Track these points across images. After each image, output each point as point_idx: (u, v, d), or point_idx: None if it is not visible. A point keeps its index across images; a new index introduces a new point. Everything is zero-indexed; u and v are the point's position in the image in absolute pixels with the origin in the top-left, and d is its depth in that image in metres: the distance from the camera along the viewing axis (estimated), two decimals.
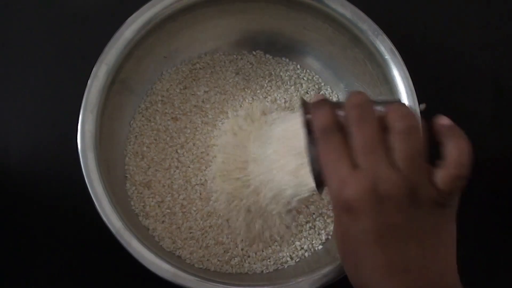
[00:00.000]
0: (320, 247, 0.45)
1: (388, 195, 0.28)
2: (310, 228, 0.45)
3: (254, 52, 0.51)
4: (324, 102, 0.31)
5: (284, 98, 0.49)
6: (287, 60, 0.51)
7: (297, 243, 0.44)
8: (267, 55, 0.51)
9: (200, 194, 0.45)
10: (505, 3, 0.56)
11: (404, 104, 0.31)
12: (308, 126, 0.31)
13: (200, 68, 0.50)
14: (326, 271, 0.39)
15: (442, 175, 0.29)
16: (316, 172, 0.31)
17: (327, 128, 0.30)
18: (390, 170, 0.28)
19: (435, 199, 0.29)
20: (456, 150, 0.29)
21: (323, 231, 0.45)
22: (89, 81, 0.42)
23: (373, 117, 0.29)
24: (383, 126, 0.29)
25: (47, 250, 0.46)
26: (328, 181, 0.29)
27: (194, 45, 0.50)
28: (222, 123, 0.47)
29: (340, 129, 0.30)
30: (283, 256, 0.44)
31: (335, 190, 0.28)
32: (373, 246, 0.28)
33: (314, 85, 0.50)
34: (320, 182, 0.32)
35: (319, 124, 0.30)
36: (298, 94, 0.49)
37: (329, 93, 0.50)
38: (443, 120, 0.31)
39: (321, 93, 0.50)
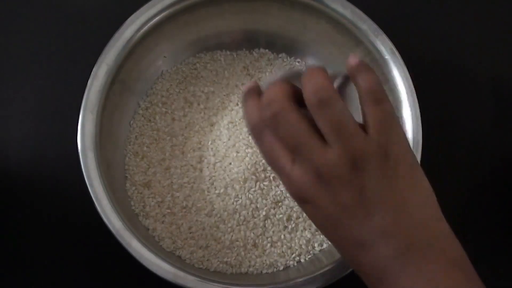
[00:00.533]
0: (320, 247, 0.45)
1: (332, 177, 0.27)
2: (309, 229, 0.45)
3: (254, 52, 0.51)
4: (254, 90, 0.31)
5: None
6: (288, 58, 0.51)
7: (297, 244, 0.44)
8: (268, 54, 0.51)
9: (200, 194, 0.45)
10: (505, 3, 0.56)
11: (315, 71, 0.29)
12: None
13: (200, 68, 0.50)
14: (325, 271, 0.39)
15: (370, 123, 0.28)
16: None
17: (256, 127, 0.30)
18: (324, 151, 0.27)
19: (378, 152, 0.28)
20: (365, 82, 0.29)
21: None
22: (89, 81, 0.42)
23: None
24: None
25: (47, 250, 0.46)
26: (281, 179, 0.29)
27: (194, 44, 0.50)
28: (222, 122, 0.47)
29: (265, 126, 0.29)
30: (283, 257, 0.44)
31: (286, 187, 0.28)
32: (340, 227, 0.28)
33: None
34: None
35: (250, 121, 0.30)
36: None
37: None
38: (352, 61, 0.30)
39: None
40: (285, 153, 0.28)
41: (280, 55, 0.51)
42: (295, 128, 0.28)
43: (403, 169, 0.29)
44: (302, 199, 0.29)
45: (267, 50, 0.51)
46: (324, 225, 0.30)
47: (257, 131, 0.29)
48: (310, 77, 0.29)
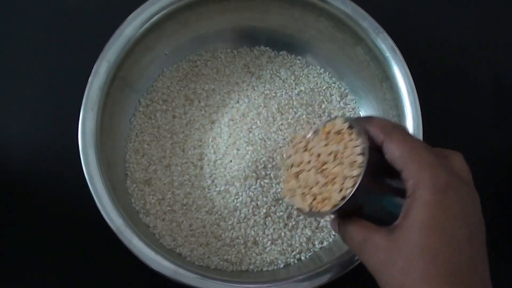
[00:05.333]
0: (320, 245, 0.45)
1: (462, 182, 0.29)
2: (310, 226, 0.45)
3: (255, 49, 0.51)
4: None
5: (286, 96, 0.49)
6: (289, 56, 0.51)
7: (297, 241, 0.44)
8: (268, 52, 0.51)
9: (201, 191, 0.45)
10: (505, 3, 0.56)
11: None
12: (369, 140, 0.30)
13: (201, 66, 0.50)
14: (326, 268, 0.39)
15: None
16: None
17: (396, 124, 0.30)
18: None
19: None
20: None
21: (325, 229, 0.45)
22: (89, 79, 0.42)
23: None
24: None
25: (48, 247, 0.46)
26: (418, 169, 0.28)
27: (195, 42, 0.50)
28: (223, 120, 0.47)
29: None
30: (284, 254, 0.44)
31: (431, 175, 0.28)
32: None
33: (319, 80, 0.50)
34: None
35: (385, 123, 0.31)
36: (299, 90, 0.49)
37: (331, 89, 0.50)
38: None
39: (324, 88, 0.50)
40: (431, 154, 0.30)
41: (280, 53, 0.51)
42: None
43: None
44: (445, 188, 0.28)
45: (267, 48, 0.51)
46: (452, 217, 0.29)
47: (397, 126, 0.31)
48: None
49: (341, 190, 0.30)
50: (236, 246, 0.44)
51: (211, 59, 0.50)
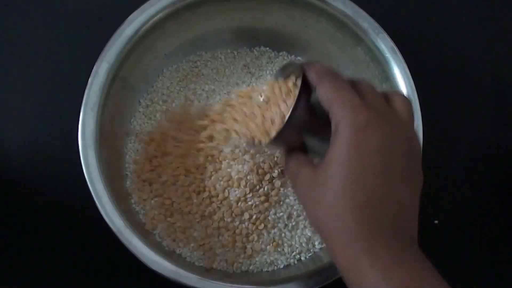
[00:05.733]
0: (320, 245, 0.45)
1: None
2: (310, 227, 0.45)
3: (255, 50, 0.51)
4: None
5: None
6: (289, 56, 0.51)
7: (297, 242, 0.44)
8: (268, 52, 0.51)
9: (201, 192, 0.45)
10: (505, 3, 0.56)
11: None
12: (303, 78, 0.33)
13: (201, 66, 0.50)
14: (326, 269, 0.39)
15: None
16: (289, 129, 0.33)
17: (329, 70, 0.32)
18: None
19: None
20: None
21: None
22: (89, 79, 0.42)
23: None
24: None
25: (48, 248, 0.46)
26: (340, 109, 0.30)
27: (195, 42, 0.50)
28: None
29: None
30: (284, 255, 0.44)
31: (350, 114, 0.30)
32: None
33: None
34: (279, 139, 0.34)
35: (320, 68, 0.32)
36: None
37: None
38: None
39: None
40: (355, 95, 0.31)
41: (280, 53, 0.51)
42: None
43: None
44: (364, 126, 0.30)
45: (267, 48, 0.51)
46: (368, 154, 0.30)
47: (331, 72, 0.32)
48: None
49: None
50: (236, 247, 0.44)
51: (211, 59, 0.50)
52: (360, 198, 0.29)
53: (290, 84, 0.35)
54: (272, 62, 0.51)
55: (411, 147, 0.31)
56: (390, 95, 0.33)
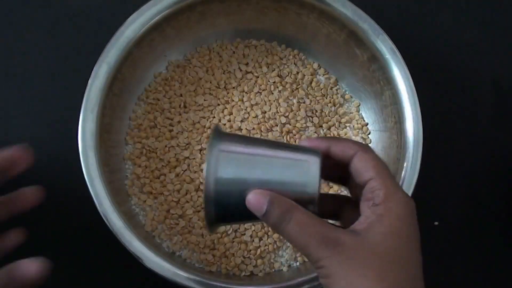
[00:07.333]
0: None
1: None
2: None
3: (255, 50, 0.51)
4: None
5: (285, 96, 0.49)
6: (289, 55, 0.51)
7: None
8: (268, 52, 0.51)
9: (201, 194, 0.45)
10: (505, 4, 0.56)
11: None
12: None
13: (201, 66, 0.50)
14: None
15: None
16: None
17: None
18: None
19: None
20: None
21: None
22: (89, 81, 0.42)
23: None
24: None
25: (47, 249, 0.46)
26: (394, 185, 0.30)
27: (195, 43, 0.50)
28: (223, 120, 0.47)
29: None
30: (284, 257, 0.44)
31: (403, 193, 0.31)
32: None
33: (318, 82, 0.50)
34: None
35: (354, 142, 0.32)
36: (300, 89, 0.49)
37: (331, 90, 0.50)
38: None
39: (321, 84, 0.50)
40: None
41: (281, 53, 0.51)
42: None
43: None
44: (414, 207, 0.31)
45: (267, 48, 0.51)
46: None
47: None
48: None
49: None
50: (238, 250, 0.44)
51: (211, 59, 0.50)
52: (400, 276, 0.29)
53: None
54: (272, 62, 0.51)
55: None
56: None
